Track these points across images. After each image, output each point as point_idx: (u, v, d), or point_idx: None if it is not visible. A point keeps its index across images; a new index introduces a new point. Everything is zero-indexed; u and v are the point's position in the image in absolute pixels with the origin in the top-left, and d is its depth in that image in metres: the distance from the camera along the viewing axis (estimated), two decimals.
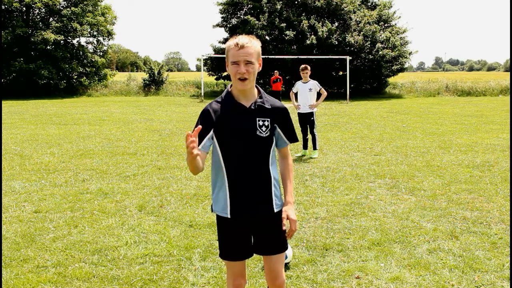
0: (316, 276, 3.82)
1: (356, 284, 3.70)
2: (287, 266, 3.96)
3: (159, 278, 3.82)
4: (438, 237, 4.68)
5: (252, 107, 2.50)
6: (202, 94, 28.59)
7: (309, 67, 9.28)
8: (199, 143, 2.56)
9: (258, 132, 2.50)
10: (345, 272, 3.89)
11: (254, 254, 2.68)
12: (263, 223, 2.59)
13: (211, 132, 2.51)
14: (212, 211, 2.64)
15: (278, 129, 2.58)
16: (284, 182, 2.64)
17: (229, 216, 2.55)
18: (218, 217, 2.61)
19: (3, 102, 24.25)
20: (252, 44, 2.43)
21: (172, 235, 4.75)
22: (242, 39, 2.42)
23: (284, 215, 2.56)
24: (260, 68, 2.51)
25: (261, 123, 2.51)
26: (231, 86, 2.56)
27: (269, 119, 2.52)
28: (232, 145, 2.50)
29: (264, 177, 2.55)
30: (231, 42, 2.44)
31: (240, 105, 2.50)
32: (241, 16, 31.87)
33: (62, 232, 4.86)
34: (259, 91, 2.57)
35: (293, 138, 2.65)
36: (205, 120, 2.51)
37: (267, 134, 2.52)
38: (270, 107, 2.54)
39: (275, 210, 2.59)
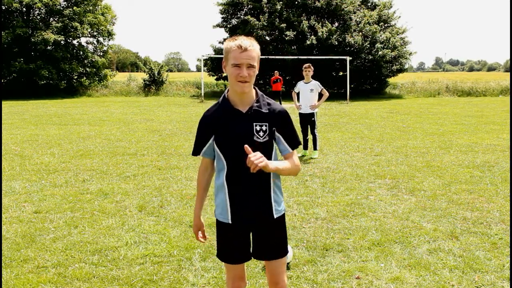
0: (316, 277, 3.82)
1: (356, 284, 3.70)
2: (287, 267, 3.96)
3: (159, 278, 3.82)
4: (438, 237, 4.68)
5: (249, 112, 2.45)
6: (202, 94, 28.59)
7: (312, 66, 9.29)
8: (200, 150, 2.56)
9: (255, 137, 2.43)
10: (345, 273, 3.89)
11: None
12: (262, 228, 2.57)
13: (211, 139, 2.50)
14: (215, 215, 2.64)
15: (277, 134, 2.51)
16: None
17: (229, 222, 2.54)
18: (218, 221, 2.60)
19: (3, 102, 24.24)
20: (254, 48, 2.38)
21: (172, 236, 4.75)
22: (245, 41, 2.36)
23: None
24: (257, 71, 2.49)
25: (258, 128, 2.44)
26: (227, 90, 2.51)
27: (267, 124, 2.46)
28: (231, 151, 2.47)
29: (264, 183, 2.51)
30: (232, 43, 2.37)
31: (237, 110, 2.45)
32: (241, 16, 31.91)
33: (62, 233, 4.86)
34: (256, 94, 2.50)
35: (294, 144, 2.55)
36: (204, 128, 2.52)
37: (265, 139, 2.46)
38: (267, 111, 2.47)
39: (275, 216, 2.56)
